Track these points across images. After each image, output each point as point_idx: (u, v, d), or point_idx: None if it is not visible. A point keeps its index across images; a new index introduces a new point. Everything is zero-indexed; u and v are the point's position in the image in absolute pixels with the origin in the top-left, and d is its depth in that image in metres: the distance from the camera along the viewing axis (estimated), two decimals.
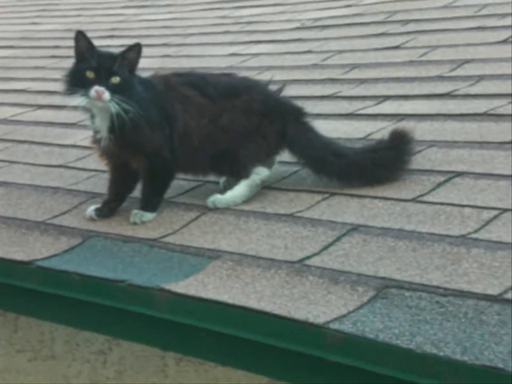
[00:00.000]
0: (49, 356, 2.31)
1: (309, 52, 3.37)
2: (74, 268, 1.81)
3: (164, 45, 4.07)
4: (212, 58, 3.63)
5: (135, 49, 1.96)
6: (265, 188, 2.07)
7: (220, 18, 4.45)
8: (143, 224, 1.99)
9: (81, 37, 1.96)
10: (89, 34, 4.71)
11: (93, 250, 1.90)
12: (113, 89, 1.89)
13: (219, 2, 4.85)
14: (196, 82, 2.07)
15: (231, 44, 3.82)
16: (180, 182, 2.20)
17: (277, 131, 2.06)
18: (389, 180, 1.98)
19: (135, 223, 2.01)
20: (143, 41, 4.14)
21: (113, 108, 1.90)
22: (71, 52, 4.02)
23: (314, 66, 3.15)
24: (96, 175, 2.35)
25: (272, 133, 2.06)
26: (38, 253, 1.90)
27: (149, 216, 2.02)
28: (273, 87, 2.17)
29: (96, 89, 1.88)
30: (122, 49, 1.97)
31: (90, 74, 1.90)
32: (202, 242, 1.84)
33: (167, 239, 1.88)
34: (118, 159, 2.05)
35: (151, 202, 2.05)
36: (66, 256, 1.88)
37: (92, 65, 1.91)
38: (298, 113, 2.10)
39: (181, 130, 2.02)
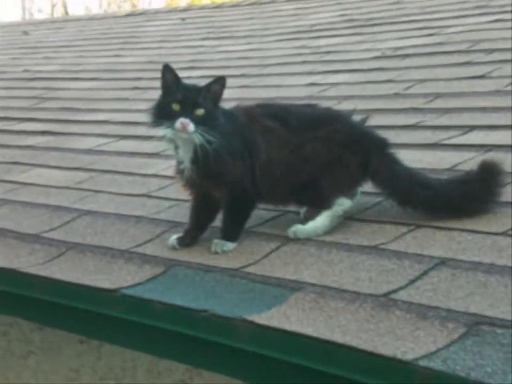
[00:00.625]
0: None
1: (390, 81, 3.34)
2: (158, 297, 1.82)
3: (242, 75, 4.11)
4: (290, 88, 3.63)
5: (220, 82, 1.99)
6: (348, 218, 2.04)
7: (298, 48, 4.46)
8: (224, 253, 1.99)
9: (167, 70, 2.00)
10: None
11: (175, 279, 1.90)
12: (197, 121, 1.94)
13: (296, 33, 4.87)
14: (278, 113, 2.09)
15: (309, 73, 3.82)
16: (260, 212, 2.19)
17: (360, 162, 2.05)
18: (477, 213, 1.93)
19: (216, 253, 2.02)
20: (221, 72, 4.27)
21: (197, 139, 1.94)
22: (153, 83, 4.17)
23: (396, 95, 3.12)
24: (177, 204, 2.37)
25: (355, 164, 2.05)
26: (123, 281, 1.92)
27: (230, 245, 2.03)
28: (356, 118, 2.17)
29: (181, 121, 1.93)
30: (206, 81, 1.99)
31: (176, 106, 1.95)
32: (283, 273, 1.82)
33: (248, 269, 1.87)
34: (200, 189, 2.08)
35: (232, 232, 2.07)
36: (150, 285, 1.89)
37: (178, 98, 1.95)
38: (383, 144, 2.08)
39: (263, 161, 2.04)
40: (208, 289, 1.82)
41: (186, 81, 2.03)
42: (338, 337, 1.50)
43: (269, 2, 6.46)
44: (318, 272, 1.79)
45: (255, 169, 2.04)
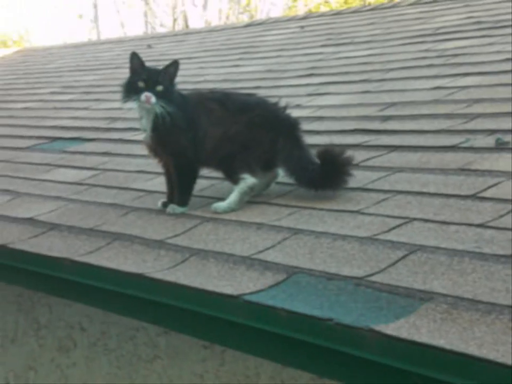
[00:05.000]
0: None
1: None
2: (280, 304, 1.78)
3: (364, 81, 4.03)
4: (415, 93, 3.53)
5: (174, 65, 2.45)
6: (482, 226, 1.94)
7: (423, 52, 4.33)
8: (339, 258, 1.94)
9: (135, 56, 2.44)
10: (288, 74, 4.84)
11: (298, 287, 1.86)
12: (158, 95, 2.37)
13: (421, 37, 4.73)
14: (220, 98, 2.51)
15: (435, 77, 3.69)
16: (385, 219, 2.13)
17: (269, 143, 2.44)
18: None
19: (169, 214, 2.48)
20: (342, 78, 4.22)
21: (158, 109, 2.38)
22: (272, 91, 4.16)
23: None
24: (297, 211, 2.34)
25: (265, 144, 2.44)
26: (245, 287, 1.90)
27: (180, 209, 2.49)
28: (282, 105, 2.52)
29: (145, 94, 2.37)
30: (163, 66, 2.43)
31: (141, 84, 2.38)
32: (411, 282, 1.75)
33: (373, 278, 1.81)
34: (156, 155, 2.51)
35: (181, 197, 2.49)
36: (272, 292, 1.86)
37: (143, 77, 2.39)
38: (291, 128, 2.48)
39: (201, 135, 2.44)
40: (332, 298, 1.77)
41: (149, 65, 2.46)
42: (473, 350, 1.42)
43: (390, 7, 6.33)
44: (449, 282, 1.71)
45: (195, 142, 2.44)
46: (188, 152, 2.47)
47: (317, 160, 2.46)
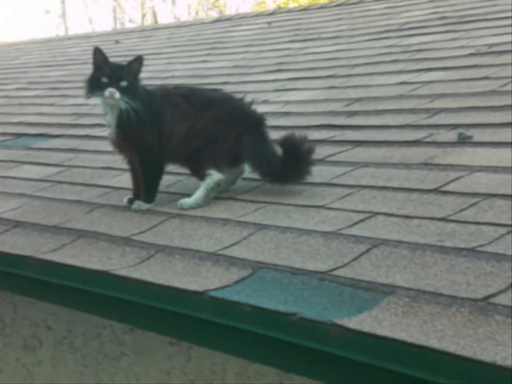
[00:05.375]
0: None
1: (486, 78, 3.21)
2: (245, 299, 1.79)
3: (330, 76, 4.05)
4: (380, 88, 3.55)
5: (138, 61, 2.44)
6: (444, 220, 1.96)
7: (388, 47, 4.36)
8: (304, 253, 1.94)
9: (98, 52, 2.43)
10: (256, 69, 4.85)
11: (262, 282, 1.87)
12: (122, 91, 2.35)
13: (386, 32, 4.77)
14: (185, 93, 2.50)
15: (399, 72, 3.72)
16: (350, 214, 2.15)
17: (235, 139, 2.43)
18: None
19: (135, 211, 2.47)
20: (309, 74, 4.23)
21: (123, 105, 2.36)
22: (240, 87, 4.16)
23: (492, 93, 2.99)
24: (263, 206, 2.34)
25: (230, 140, 2.43)
26: (210, 283, 1.90)
27: (145, 205, 2.48)
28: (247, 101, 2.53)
29: (109, 90, 2.35)
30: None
31: (104, 79, 2.36)
32: (374, 276, 1.76)
33: (337, 272, 1.82)
34: (122, 151, 2.49)
35: (147, 193, 2.48)
36: (237, 287, 1.87)
37: (106, 73, 2.37)
38: (257, 123, 2.48)
39: (167, 131, 2.43)
40: (296, 292, 1.78)
41: (112, 61, 2.44)
42: (434, 343, 1.44)
43: (357, 3, 6.36)
44: (411, 276, 1.72)
45: (161, 137, 2.42)
46: (153, 148, 2.45)
47: (280, 151, 2.46)
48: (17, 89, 5.82)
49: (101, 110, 2.53)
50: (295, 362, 1.77)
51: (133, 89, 2.39)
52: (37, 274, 2.27)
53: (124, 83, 2.37)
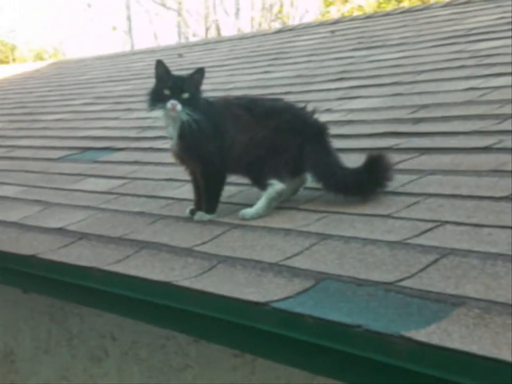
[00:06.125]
0: None
1: None
2: (308, 311, 1.75)
3: (395, 83, 3.98)
4: (447, 94, 3.47)
5: (200, 72, 2.45)
6: None
7: (455, 53, 4.26)
8: (368, 263, 1.89)
9: (160, 64, 2.44)
10: (318, 78, 4.81)
11: (326, 293, 1.82)
12: (184, 103, 2.37)
13: (453, 38, 4.66)
14: (246, 104, 2.48)
15: (467, 78, 3.62)
16: (416, 223, 2.08)
17: (297, 149, 2.40)
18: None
19: (197, 222, 2.47)
20: (373, 81, 4.16)
21: (184, 117, 2.37)
22: (301, 96, 4.12)
23: None
24: (326, 216, 2.30)
25: (292, 150, 2.41)
26: (272, 294, 1.86)
27: (207, 216, 2.48)
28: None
29: (171, 102, 2.36)
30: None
31: (166, 91, 2.37)
32: (443, 287, 1.69)
33: (403, 283, 1.76)
34: (186, 163, 2.51)
35: (209, 204, 2.48)
36: (300, 298, 1.82)
37: (168, 85, 2.38)
38: (319, 133, 2.44)
39: (229, 142, 2.42)
40: (362, 304, 1.73)
41: (174, 73, 2.46)
42: (506, 355, 1.37)
43: (422, 9, 6.26)
44: (482, 286, 1.65)
45: (222, 148, 2.43)
46: (215, 159, 2.45)
47: (345, 165, 2.42)
48: (84, 104, 5.94)
49: (163, 123, 2.53)
50: (361, 375, 1.71)
51: (194, 101, 2.40)
52: (101, 286, 2.28)
53: (185, 95, 2.38)
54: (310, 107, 2.56)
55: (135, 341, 2.70)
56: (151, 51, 8.70)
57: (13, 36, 27.49)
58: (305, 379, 2.19)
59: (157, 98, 2.40)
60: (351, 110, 3.68)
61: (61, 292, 2.54)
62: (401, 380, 1.59)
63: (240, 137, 2.43)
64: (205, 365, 2.47)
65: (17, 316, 3.24)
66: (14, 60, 24.41)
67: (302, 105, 2.59)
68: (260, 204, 2.42)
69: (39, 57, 25.69)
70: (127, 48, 22.67)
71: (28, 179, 3.75)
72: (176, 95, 2.36)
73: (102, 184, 3.31)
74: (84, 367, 2.94)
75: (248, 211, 2.42)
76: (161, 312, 2.15)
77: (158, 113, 2.44)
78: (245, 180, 2.56)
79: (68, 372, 3.01)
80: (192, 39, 20.43)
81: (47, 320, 3.08)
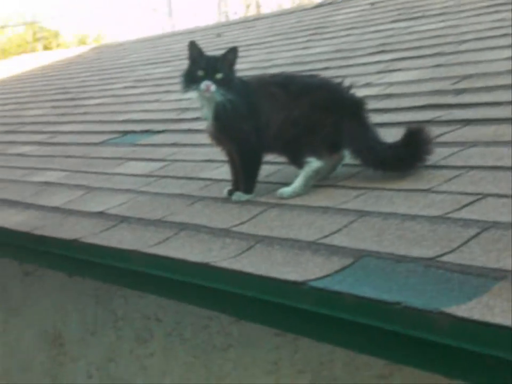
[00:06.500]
0: (330, 378, 2.27)
1: None
2: (347, 289, 1.73)
3: (436, 54, 3.89)
4: (490, 64, 3.37)
5: (233, 52, 2.42)
6: None
7: (497, 21, 4.14)
8: (408, 239, 1.85)
9: (193, 46, 2.42)
10: (358, 52, 4.74)
11: (365, 271, 1.80)
12: (218, 83, 2.34)
13: (495, 6, 4.53)
14: (282, 81, 2.45)
15: (510, 46, 3.52)
16: (457, 197, 2.04)
17: (334, 125, 2.36)
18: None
19: (235, 202, 2.46)
20: (414, 53, 4.08)
21: (218, 97, 2.35)
22: (340, 71, 4.07)
23: None
24: (365, 193, 2.26)
25: (329, 127, 2.37)
26: (311, 273, 1.85)
27: (245, 196, 2.46)
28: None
29: (205, 83, 2.34)
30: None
31: (200, 73, 2.35)
32: (485, 261, 1.66)
33: (444, 258, 1.73)
34: (222, 143, 2.48)
35: (246, 184, 2.46)
36: (338, 277, 1.80)
37: (202, 66, 2.36)
38: (357, 108, 2.39)
39: (264, 121, 2.39)
40: (401, 281, 1.70)
41: (207, 54, 2.43)
42: None
43: None
44: None
45: (258, 127, 2.39)
46: (251, 138, 2.43)
47: (385, 140, 2.38)
48: (124, 87, 5.97)
49: (198, 104, 2.52)
50: (402, 352, 1.69)
51: (228, 81, 2.37)
52: (142, 268, 2.29)
53: (219, 75, 2.35)
54: (346, 82, 2.52)
55: (178, 321, 2.72)
56: (190, 32, 8.69)
57: (56, 22, 27.82)
58: (347, 357, 2.18)
59: (191, 79, 2.38)
60: (391, 83, 3.61)
61: (103, 275, 2.57)
62: (442, 356, 1.57)
63: (276, 116, 2.41)
64: (247, 344, 2.47)
65: (65, 299, 3.29)
66: (57, 45, 24.71)
67: (338, 80, 2.55)
68: (298, 183, 2.39)
69: (82, 42, 25.94)
70: (167, 30, 22.70)
71: (70, 164, 3.79)
72: (210, 76, 2.34)
73: (142, 167, 3.33)
74: (130, 348, 2.97)
75: (286, 190, 2.40)
76: (201, 293, 2.15)
77: (192, 94, 2.42)
78: (283, 159, 2.54)
79: (114, 354, 3.05)
80: (233, 18, 20.35)
81: (93, 302, 3.12)
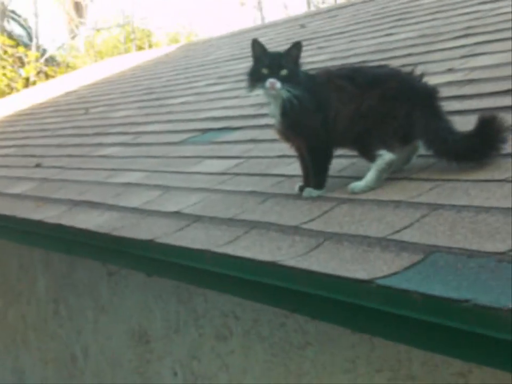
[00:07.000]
0: (408, 377, 2.21)
1: None
2: (415, 287, 1.67)
3: None
4: None
5: (297, 47, 2.38)
6: None
7: None
8: (481, 233, 1.77)
9: (256, 43, 2.40)
10: (442, 37, 4.57)
11: (435, 267, 1.73)
12: (283, 80, 2.32)
13: None
14: (348, 74, 2.40)
15: None
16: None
17: (405, 116, 2.29)
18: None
19: (306, 198, 2.44)
20: (498, 35, 3.91)
21: (284, 94, 2.32)
22: (424, 57, 3.94)
23: None
24: (439, 185, 2.18)
25: (400, 118, 2.30)
26: (378, 270, 1.80)
27: (315, 192, 2.44)
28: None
29: (270, 81, 2.32)
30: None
31: (264, 70, 2.33)
32: None
33: None
34: (288, 140, 2.47)
35: (317, 180, 2.43)
36: (408, 274, 1.74)
37: (266, 63, 2.34)
38: (428, 98, 2.31)
39: (333, 115, 2.35)
40: (471, 277, 1.63)
41: (271, 51, 2.40)
42: None
43: None
44: None
45: (327, 122, 2.35)
46: (320, 133, 2.39)
47: (458, 130, 2.29)
48: (207, 85, 6.02)
49: (265, 101, 2.50)
50: (474, 351, 1.62)
51: (293, 77, 2.34)
52: (213, 267, 2.30)
53: (284, 72, 2.33)
54: (418, 71, 2.44)
55: (255, 319, 2.72)
56: (273, 25, 8.68)
57: (147, 22, 28.37)
58: (426, 355, 2.12)
59: (256, 78, 2.36)
60: (474, 68, 3.47)
61: (179, 275, 2.59)
62: None
63: (344, 109, 2.36)
64: (325, 342, 2.44)
65: (148, 297, 3.35)
66: (150, 46, 25.27)
67: (408, 69, 2.47)
68: (370, 176, 2.34)
69: (174, 40, 26.42)
70: (258, 22, 22.77)
71: (150, 164, 3.85)
72: (274, 73, 2.32)
73: (218, 165, 3.34)
74: (211, 346, 2.99)
75: (358, 184, 2.35)
76: (272, 293, 2.14)
77: (258, 92, 2.40)
78: (354, 153, 2.48)
79: (197, 351, 3.08)
80: (322, 6, 20.19)
81: (175, 301, 3.16)
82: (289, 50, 2.38)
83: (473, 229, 1.84)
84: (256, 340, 2.75)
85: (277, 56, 2.37)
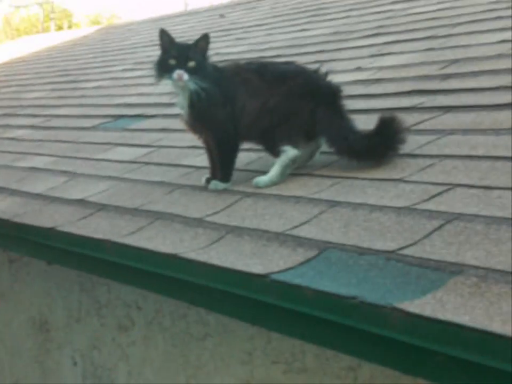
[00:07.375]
0: (302, 369, 2.26)
1: None
2: (308, 282, 1.72)
3: (429, 37, 3.84)
4: (479, 47, 3.33)
5: (205, 39, 2.39)
6: None
7: (492, 3, 4.08)
8: (373, 231, 1.84)
9: (164, 34, 2.39)
10: (354, 35, 4.67)
11: (327, 263, 1.79)
12: (190, 71, 2.32)
13: None
14: (257, 68, 2.43)
15: (501, 30, 3.47)
16: (428, 187, 2.01)
17: (309, 114, 2.34)
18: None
19: (212, 191, 2.46)
20: (408, 36, 4.03)
21: (192, 86, 2.32)
22: (335, 55, 4.02)
23: None
24: (339, 182, 2.25)
25: (305, 115, 2.34)
26: (275, 265, 1.84)
27: (222, 185, 2.46)
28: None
29: (177, 72, 2.32)
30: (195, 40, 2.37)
31: (172, 61, 2.33)
32: (444, 254, 1.64)
33: (405, 251, 1.71)
34: (196, 131, 2.48)
35: (223, 172, 2.45)
36: (302, 269, 1.79)
37: (173, 54, 2.33)
38: (333, 96, 2.37)
39: (239, 108, 2.37)
40: (361, 274, 1.69)
41: (179, 41, 2.42)
42: (497, 327, 1.32)
43: None
44: (483, 253, 1.59)
45: (234, 115, 2.38)
46: (227, 126, 2.41)
47: (359, 129, 2.36)
48: (124, 70, 5.95)
49: (172, 91, 2.51)
50: (362, 348, 1.68)
51: (201, 69, 2.35)
52: (115, 258, 2.30)
53: (191, 63, 2.33)
54: (323, 69, 2.50)
55: (158, 310, 2.73)
56: (194, 13, 8.65)
57: (68, 2, 27.71)
58: (319, 348, 2.17)
59: (163, 68, 2.36)
60: (381, 68, 3.58)
61: (81, 264, 2.58)
62: (395, 351, 1.56)
63: (251, 103, 2.39)
64: (224, 334, 2.47)
65: (50, 285, 3.31)
66: (70, 26, 24.69)
67: (314, 67, 2.52)
68: (274, 172, 2.38)
69: (95, 22, 25.90)
70: (182, 9, 22.53)
71: (59, 149, 3.80)
72: (181, 65, 2.32)
73: (128, 153, 3.32)
74: (112, 336, 2.98)
75: (262, 179, 2.39)
76: (174, 285, 2.15)
77: (165, 83, 2.40)
78: (259, 147, 2.52)
79: (98, 341, 3.07)
80: None
81: (78, 289, 3.13)
82: (197, 42, 2.39)
83: (366, 226, 1.90)
84: (157, 331, 2.76)
85: (185, 47, 2.38)
